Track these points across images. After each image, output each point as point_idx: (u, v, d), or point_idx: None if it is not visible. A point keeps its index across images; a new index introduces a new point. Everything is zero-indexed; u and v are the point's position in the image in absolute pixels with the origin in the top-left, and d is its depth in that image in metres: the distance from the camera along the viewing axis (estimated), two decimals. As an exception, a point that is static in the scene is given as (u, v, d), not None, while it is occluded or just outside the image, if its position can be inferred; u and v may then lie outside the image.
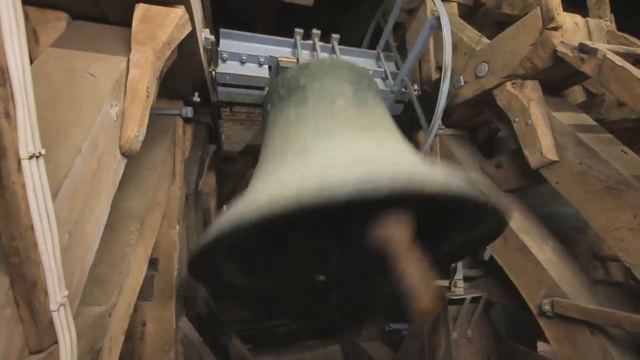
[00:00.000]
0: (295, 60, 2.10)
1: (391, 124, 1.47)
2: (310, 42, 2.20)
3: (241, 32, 2.11)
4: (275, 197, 0.85)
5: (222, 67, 2.04)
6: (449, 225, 1.36)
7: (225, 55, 2.03)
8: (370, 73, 1.63)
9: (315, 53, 2.15)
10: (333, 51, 2.22)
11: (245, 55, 2.06)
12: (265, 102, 1.61)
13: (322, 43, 2.20)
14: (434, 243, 1.36)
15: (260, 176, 1.28)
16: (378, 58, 2.48)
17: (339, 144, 1.17)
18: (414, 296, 0.95)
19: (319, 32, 2.16)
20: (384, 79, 2.37)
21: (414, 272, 0.98)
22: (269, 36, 2.18)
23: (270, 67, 2.12)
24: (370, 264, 1.44)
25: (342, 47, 2.31)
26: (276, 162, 1.25)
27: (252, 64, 2.09)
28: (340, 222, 1.47)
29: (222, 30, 2.06)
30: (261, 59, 2.09)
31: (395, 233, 1.04)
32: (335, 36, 2.24)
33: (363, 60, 2.42)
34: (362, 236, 1.09)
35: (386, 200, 0.84)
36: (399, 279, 0.97)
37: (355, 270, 1.62)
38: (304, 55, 2.16)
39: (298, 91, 1.44)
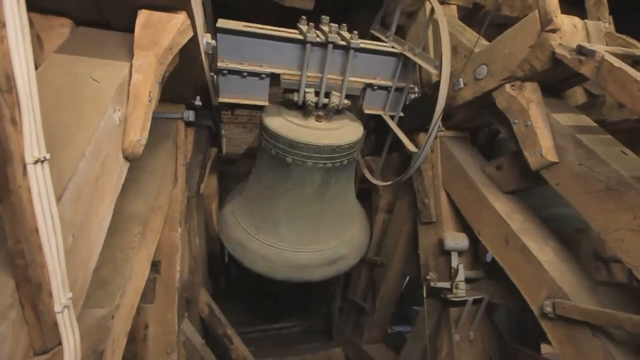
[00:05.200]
0: (298, 77, 2.10)
1: (345, 206, 2.65)
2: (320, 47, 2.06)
3: (241, 37, 1.97)
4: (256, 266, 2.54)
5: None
6: None
7: (226, 72, 2.02)
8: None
9: (324, 60, 2.07)
10: (347, 52, 2.09)
11: (246, 72, 2.04)
12: (259, 141, 2.39)
13: (334, 34, 1.99)
14: None
15: (249, 209, 2.61)
16: (398, 60, 2.27)
17: (295, 232, 2.47)
18: None
19: (332, 39, 1.97)
20: (389, 91, 2.33)
21: None
22: (272, 41, 2.00)
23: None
24: None
25: (359, 47, 2.04)
26: (257, 219, 2.54)
27: (253, 78, 2.09)
28: None
29: (219, 33, 1.92)
30: (262, 75, 2.07)
31: None
32: (354, 41, 2.01)
33: (380, 67, 2.29)
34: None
35: None
36: None
37: None
38: (313, 57, 2.07)
39: (283, 167, 2.25)
